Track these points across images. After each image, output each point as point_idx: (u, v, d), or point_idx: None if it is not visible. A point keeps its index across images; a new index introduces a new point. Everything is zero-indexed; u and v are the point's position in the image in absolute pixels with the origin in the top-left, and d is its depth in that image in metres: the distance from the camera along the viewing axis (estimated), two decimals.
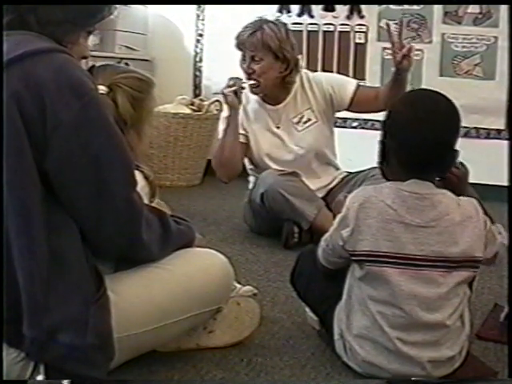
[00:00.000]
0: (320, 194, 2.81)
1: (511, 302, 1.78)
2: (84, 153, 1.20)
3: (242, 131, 2.80)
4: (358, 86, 2.83)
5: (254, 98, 2.83)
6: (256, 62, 2.71)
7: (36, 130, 1.16)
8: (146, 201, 1.48)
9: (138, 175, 1.49)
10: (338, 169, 2.95)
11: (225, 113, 2.82)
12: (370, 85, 2.97)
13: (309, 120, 2.82)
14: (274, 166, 2.79)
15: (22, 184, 1.16)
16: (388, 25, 2.56)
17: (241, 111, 2.78)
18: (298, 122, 2.81)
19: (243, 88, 2.72)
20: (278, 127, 2.83)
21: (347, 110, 2.86)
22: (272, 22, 2.77)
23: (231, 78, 2.74)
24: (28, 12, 1.28)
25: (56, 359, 1.20)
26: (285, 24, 2.85)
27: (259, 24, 2.74)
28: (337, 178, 2.90)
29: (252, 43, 2.71)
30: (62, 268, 1.21)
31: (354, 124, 3.97)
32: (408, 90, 2.26)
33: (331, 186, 2.88)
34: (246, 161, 2.90)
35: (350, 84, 2.83)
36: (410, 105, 1.50)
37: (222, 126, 2.81)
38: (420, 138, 1.44)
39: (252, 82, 2.72)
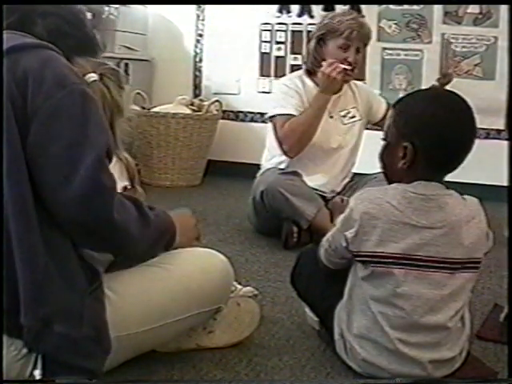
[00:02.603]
0: (329, 195, 2.84)
1: (511, 302, 1.78)
2: (56, 141, 1.19)
3: (296, 112, 2.76)
4: (388, 103, 2.97)
5: (310, 83, 2.84)
6: (358, 53, 2.76)
7: (21, 119, 1.17)
8: (123, 183, 1.54)
9: (117, 163, 1.50)
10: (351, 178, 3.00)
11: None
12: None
13: (354, 116, 2.90)
14: (314, 152, 2.79)
15: (17, 173, 1.17)
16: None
17: (297, 93, 2.79)
18: (344, 116, 2.88)
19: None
20: (331, 116, 2.85)
21: (374, 124, 2.99)
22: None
23: (331, 62, 2.67)
24: (37, 16, 1.31)
25: (52, 349, 1.21)
26: None
27: (356, 15, 2.85)
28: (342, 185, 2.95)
29: (366, 35, 2.78)
30: (55, 258, 1.21)
31: None
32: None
33: (338, 190, 2.91)
34: (276, 142, 2.80)
35: (382, 101, 3.00)
36: (434, 103, 1.46)
37: (314, 103, 2.73)
38: (446, 139, 1.42)
39: (351, 67, 2.72)
